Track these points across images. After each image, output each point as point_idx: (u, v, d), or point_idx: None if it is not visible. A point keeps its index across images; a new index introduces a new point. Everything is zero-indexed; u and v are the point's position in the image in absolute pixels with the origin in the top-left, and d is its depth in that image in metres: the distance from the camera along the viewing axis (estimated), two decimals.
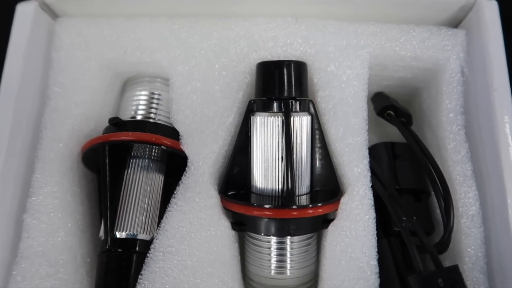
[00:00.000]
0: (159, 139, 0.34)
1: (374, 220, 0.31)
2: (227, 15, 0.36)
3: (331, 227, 0.32)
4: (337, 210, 0.33)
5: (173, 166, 0.36)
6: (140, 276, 0.30)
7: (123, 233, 0.32)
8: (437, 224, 0.35)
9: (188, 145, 0.34)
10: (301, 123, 0.33)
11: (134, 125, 0.35)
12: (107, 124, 0.35)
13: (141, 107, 0.37)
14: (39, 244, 0.31)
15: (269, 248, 0.33)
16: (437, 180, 0.32)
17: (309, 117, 0.34)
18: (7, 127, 0.32)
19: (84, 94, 0.36)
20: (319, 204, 0.31)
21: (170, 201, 0.33)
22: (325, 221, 0.33)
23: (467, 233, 0.31)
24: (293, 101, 0.33)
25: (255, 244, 0.33)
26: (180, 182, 0.33)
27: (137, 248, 0.32)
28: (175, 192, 0.33)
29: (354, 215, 0.31)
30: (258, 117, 0.33)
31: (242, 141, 0.35)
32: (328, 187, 0.35)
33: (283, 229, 0.32)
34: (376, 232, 0.31)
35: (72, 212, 0.34)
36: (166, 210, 0.32)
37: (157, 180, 0.35)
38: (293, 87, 0.33)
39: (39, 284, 0.30)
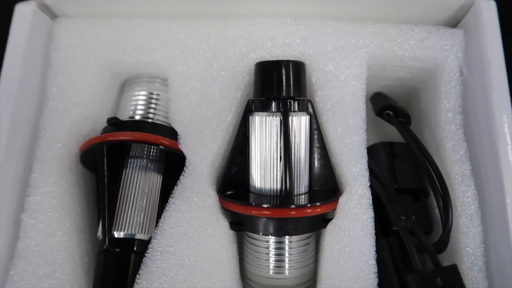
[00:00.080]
0: (157, 139, 0.34)
1: (373, 220, 0.31)
2: (226, 15, 0.36)
3: (330, 226, 0.32)
4: (335, 209, 0.32)
5: (172, 166, 0.36)
6: (138, 276, 0.30)
7: (121, 233, 0.32)
8: (436, 224, 0.34)
9: (186, 145, 0.34)
10: (300, 123, 0.33)
11: (132, 125, 0.35)
12: (105, 124, 0.35)
13: (139, 107, 0.37)
14: (36, 244, 0.31)
15: (268, 247, 0.33)
16: (436, 180, 0.32)
17: (307, 117, 0.34)
18: (6, 127, 0.32)
19: (83, 94, 0.36)
20: (318, 204, 0.31)
21: (168, 201, 0.32)
22: (324, 220, 0.33)
23: (466, 233, 0.31)
24: (292, 101, 0.33)
25: (253, 244, 0.33)
26: (178, 181, 0.33)
27: (135, 248, 0.32)
28: (173, 192, 0.33)
29: (353, 215, 0.31)
30: (256, 116, 0.33)
31: (240, 141, 0.35)
32: (326, 186, 0.35)
33: (282, 229, 0.32)
34: (374, 231, 0.31)
35: (70, 212, 0.34)
36: (164, 209, 0.32)
37: (156, 180, 0.35)
38: (292, 87, 0.33)
39: (36, 284, 0.30)
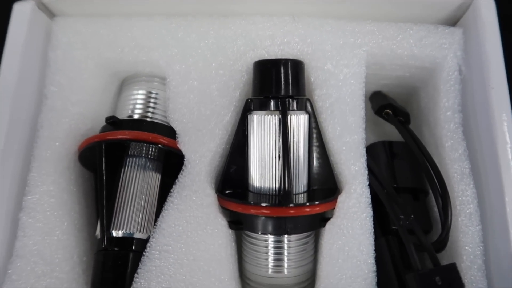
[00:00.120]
0: (155, 138, 0.33)
1: (371, 218, 0.31)
2: (224, 14, 0.36)
3: (328, 225, 0.32)
4: (334, 208, 0.32)
5: (170, 165, 0.36)
6: (136, 275, 0.30)
7: (120, 232, 0.32)
8: (435, 223, 0.34)
9: (185, 144, 0.34)
10: (298, 122, 0.33)
11: (131, 124, 0.35)
12: (104, 123, 0.35)
13: (138, 106, 0.37)
14: (35, 243, 0.31)
15: (266, 247, 0.32)
16: (435, 179, 0.32)
17: (306, 116, 0.34)
18: (4, 126, 0.32)
19: (81, 93, 0.36)
20: (316, 203, 0.31)
21: (167, 200, 0.32)
22: (323, 219, 0.33)
23: (465, 231, 0.31)
24: (290, 100, 0.33)
25: (252, 243, 0.33)
26: (176, 180, 0.33)
27: (133, 247, 0.32)
28: (172, 191, 0.33)
29: (351, 214, 0.31)
30: (255, 115, 0.33)
31: (239, 139, 0.35)
32: (325, 185, 0.35)
33: (280, 228, 0.31)
34: (373, 230, 0.31)
35: (69, 211, 0.34)
36: (163, 208, 0.32)
37: (154, 179, 0.35)
38: (290, 86, 0.33)
39: (34, 283, 0.30)
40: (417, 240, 0.30)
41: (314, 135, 0.35)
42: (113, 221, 0.32)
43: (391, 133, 0.40)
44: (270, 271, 0.32)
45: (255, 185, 0.33)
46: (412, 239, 0.30)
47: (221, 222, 0.32)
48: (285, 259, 0.32)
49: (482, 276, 0.30)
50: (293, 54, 0.35)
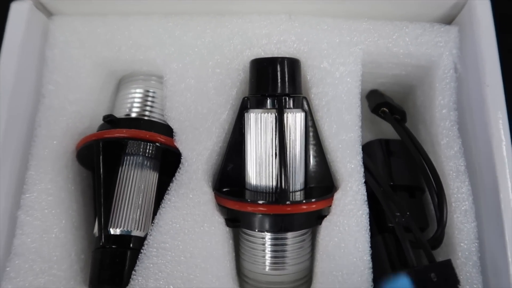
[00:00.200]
0: (153, 136, 0.34)
1: (367, 216, 0.31)
2: (221, 12, 0.36)
3: (325, 222, 0.32)
4: (331, 206, 0.33)
5: (168, 163, 0.36)
6: (133, 272, 0.31)
7: (117, 229, 0.32)
8: (431, 220, 0.35)
9: (182, 142, 0.34)
10: (295, 120, 0.33)
11: (128, 122, 0.35)
12: (101, 122, 0.35)
13: (135, 104, 0.37)
14: (32, 241, 0.31)
15: (264, 244, 0.33)
16: (431, 176, 0.32)
17: (302, 114, 0.34)
18: (2, 125, 0.32)
19: (79, 92, 0.36)
20: (313, 200, 0.32)
21: (164, 198, 0.33)
22: (319, 217, 0.33)
23: (460, 228, 0.31)
24: (287, 98, 0.33)
25: (249, 241, 0.33)
26: (173, 178, 0.33)
27: (131, 245, 0.32)
28: (169, 189, 0.33)
29: (347, 211, 0.31)
30: (251, 113, 0.33)
31: (236, 138, 0.35)
32: (322, 183, 0.35)
33: (277, 225, 0.32)
34: (369, 227, 0.31)
35: (66, 209, 0.34)
36: (160, 206, 0.32)
37: (152, 177, 0.35)
38: (287, 84, 0.33)
39: (32, 280, 0.30)
40: (413, 237, 0.31)
41: (311, 133, 0.35)
42: (110, 219, 0.33)
43: (388, 131, 0.40)
44: (267, 268, 0.33)
45: (252, 183, 0.33)
46: (408, 236, 0.30)
47: (218, 220, 0.32)
48: (282, 256, 0.33)
49: (477, 272, 0.30)
50: (290, 52, 0.36)
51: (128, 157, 0.35)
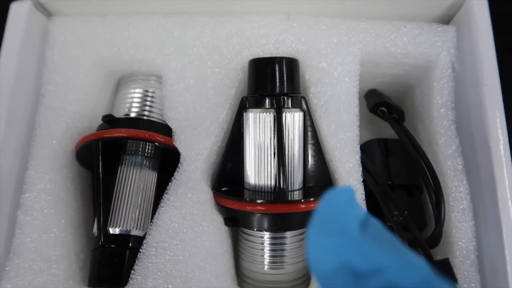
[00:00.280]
0: (152, 136, 0.34)
1: None
2: (220, 12, 0.36)
3: None
4: None
5: (167, 163, 0.36)
6: (132, 271, 0.31)
7: (117, 229, 0.32)
8: (429, 219, 0.35)
9: (181, 141, 0.34)
10: (293, 119, 0.33)
11: (127, 122, 0.36)
12: (101, 121, 0.36)
13: (135, 104, 0.37)
14: (32, 240, 0.31)
15: (262, 243, 0.33)
16: (429, 175, 0.33)
17: (301, 113, 0.34)
18: (2, 124, 0.32)
19: (78, 92, 0.36)
20: (311, 199, 0.32)
21: (163, 197, 0.33)
22: None
23: (458, 227, 0.31)
24: (285, 97, 0.33)
25: (248, 240, 0.33)
26: (172, 178, 0.33)
27: (130, 244, 0.32)
28: (168, 188, 0.33)
29: None
30: (250, 113, 0.33)
31: (234, 137, 0.35)
32: (321, 183, 0.35)
33: (276, 224, 0.32)
34: None
35: (66, 209, 0.34)
36: (159, 206, 0.32)
37: (151, 177, 0.35)
38: (285, 84, 0.33)
39: (32, 280, 0.30)
40: (411, 236, 0.31)
41: (309, 133, 0.35)
42: (110, 219, 0.33)
43: (386, 131, 0.40)
44: (266, 267, 0.33)
45: (250, 182, 0.33)
46: (406, 235, 0.30)
47: (217, 219, 0.33)
48: (281, 255, 0.33)
49: (475, 271, 0.30)
50: (288, 52, 0.36)
51: (127, 156, 0.35)
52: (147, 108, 0.37)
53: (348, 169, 0.33)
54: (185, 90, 0.35)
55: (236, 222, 0.33)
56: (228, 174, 0.35)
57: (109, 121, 0.35)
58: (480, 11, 0.34)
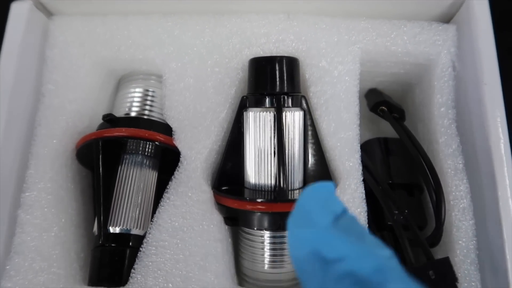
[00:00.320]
0: (152, 135, 0.34)
1: (366, 214, 0.31)
2: (220, 12, 0.36)
3: None
4: None
5: (167, 162, 0.36)
6: (133, 270, 0.31)
7: (117, 228, 0.32)
8: (430, 218, 0.35)
9: (181, 141, 0.34)
10: (293, 118, 0.33)
11: (128, 121, 0.36)
12: (101, 121, 0.36)
13: (135, 104, 0.37)
14: (32, 239, 0.31)
15: (263, 242, 0.33)
16: (429, 174, 0.33)
17: (301, 113, 0.34)
18: (2, 124, 0.32)
19: (78, 91, 0.36)
20: None
21: (163, 196, 0.33)
22: None
23: (459, 226, 0.31)
24: (285, 97, 0.33)
25: (248, 239, 0.33)
26: (172, 177, 0.33)
27: (130, 243, 0.32)
28: (168, 187, 0.33)
29: None
30: (250, 112, 0.33)
31: (235, 136, 0.35)
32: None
33: (276, 223, 0.32)
34: (368, 226, 0.31)
35: (66, 208, 0.34)
36: (159, 204, 0.32)
37: (151, 176, 0.35)
38: (285, 83, 0.33)
39: (32, 278, 0.30)
40: (412, 235, 0.31)
41: (310, 132, 0.35)
42: (110, 218, 0.33)
43: (387, 130, 0.40)
44: (266, 266, 0.33)
45: (251, 181, 0.33)
46: (407, 235, 0.30)
47: (217, 218, 0.33)
48: (281, 254, 0.33)
49: (475, 270, 0.30)
50: (288, 51, 0.36)
51: (128, 156, 0.35)
52: (147, 107, 0.37)
53: (348, 168, 0.33)
54: (185, 89, 0.35)
55: (236, 221, 0.33)
56: (228, 173, 0.35)
57: (110, 120, 0.35)
58: (480, 10, 0.34)
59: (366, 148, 0.38)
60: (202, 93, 0.35)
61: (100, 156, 0.34)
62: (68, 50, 0.36)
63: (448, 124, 0.34)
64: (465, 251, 0.31)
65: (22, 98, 0.34)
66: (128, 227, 0.33)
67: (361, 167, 0.33)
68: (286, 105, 0.33)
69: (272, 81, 0.33)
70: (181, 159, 0.34)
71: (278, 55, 0.35)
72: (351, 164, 0.33)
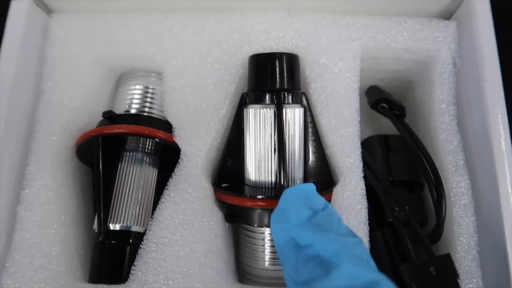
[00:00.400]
0: (152, 132, 0.34)
1: (366, 210, 0.31)
2: (220, 9, 0.36)
3: None
4: (330, 201, 0.33)
5: (167, 159, 0.36)
6: (133, 267, 0.31)
7: (117, 225, 0.32)
8: (431, 216, 0.35)
9: (181, 137, 0.34)
10: (294, 115, 0.33)
11: (128, 118, 0.36)
12: (101, 118, 0.36)
13: (135, 101, 0.37)
14: (32, 236, 0.31)
15: (263, 239, 0.33)
16: (430, 171, 0.32)
17: (301, 109, 0.34)
18: (2, 121, 0.32)
19: (78, 89, 0.36)
20: None
21: (163, 193, 0.33)
22: None
23: (460, 222, 0.31)
24: (286, 93, 0.33)
25: (249, 236, 0.33)
26: (173, 174, 0.33)
27: (130, 240, 0.32)
28: (168, 184, 0.33)
29: (346, 205, 0.31)
30: (250, 109, 0.33)
31: (235, 133, 0.35)
32: (321, 179, 0.35)
33: None
34: (368, 222, 0.31)
35: (66, 205, 0.34)
36: (159, 201, 0.32)
37: (151, 173, 0.35)
38: (285, 79, 0.33)
39: (32, 275, 0.30)
40: (412, 232, 0.30)
41: (310, 129, 0.35)
42: (110, 215, 0.33)
43: (387, 128, 0.40)
44: (267, 263, 0.32)
45: (251, 178, 0.33)
46: (407, 231, 0.30)
47: (217, 215, 0.32)
48: None
49: (476, 266, 0.30)
50: (288, 48, 0.36)
51: (128, 153, 0.35)
52: (147, 104, 0.37)
53: (349, 164, 0.32)
54: (185, 86, 0.35)
55: (236, 218, 0.33)
56: (228, 170, 0.35)
57: (109, 117, 0.35)
58: (481, 6, 0.34)
59: (366, 145, 0.38)
60: (202, 90, 0.35)
61: (100, 153, 0.34)
62: (68, 47, 0.36)
63: (449, 121, 0.34)
64: (466, 247, 0.30)
65: (22, 95, 0.34)
66: (128, 224, 0.33)
67: (361, 164, 0.33)
68: (286, 101, 0.33)
69: (272, 77, 0.33)
70: (181, 155, 0.33)
71: (278, 51, 0.35)
72: (351, 160, 0.33)
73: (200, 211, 0.32)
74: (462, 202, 0.32)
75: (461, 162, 0.33)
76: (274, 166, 0.32)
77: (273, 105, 0.33)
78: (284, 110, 0.32)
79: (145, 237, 0.31)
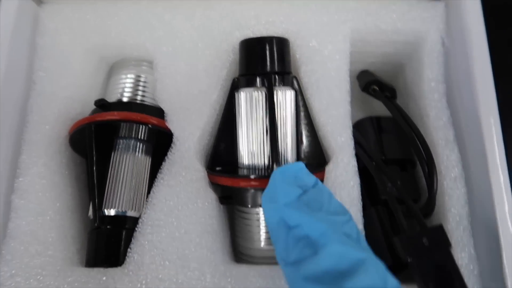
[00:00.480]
0: (145, 118, 0.34)
1: (359, 187, 0.32)
2: None
3: None
4: (323, 180, 0.33)
5: (160, 147, 0.36)
6: (129, 250, 0.31)
7: (112, 210, 0.33)
8: (423, 193, 0.35)
9: (173, 122, 0.34)
10: (285, 97, 0.33)
11: (120, 106, 0.36)
12: (94, 107, 0.36)
13: (127, 89, 0.37)
14: (27, 223, 0.31)
15: (258, 220, 0.33)
16: (421, 147, 0.33)
17: (292, 92, 0.34)
18: None
19: (70, 78, 0.36)
20: None
21: (157, 177, 0.33)
22: None
23: (450, 194, 0.31)
24: (276, 76, 0.33)
25: (243, 218, 0.33)
26: (166, 158, 0.33)
27: (126, 225, 0.32)
28: (161, 168, 0.33)
29: (339, 183, 0.31)
30: (241, 92, 0.33)
31: (227, 117, 0.35)
32: (315, 161, 0.35)
33: None
34: (361, 199, 0.32)
35: (61, 193, 0.34)
36: (153, 185, 0.33)
37: (144, 160, 0.35)
38: (276, 63, 0.33)
39: (28, 262, 0.30)
40: (406, 207, 0.31)
41: (302, 113, 0.35)
42: (104, 201, 0.33)
43: (379, 111, 0.40)
44: (262, 243, 0.33)
45: (244, 161, 0.33)
46: (401, 207, 0.31)
47: (211, 196, 0.33)
48: None
49: (468, 235, 0.30)
50: (278, 33, 0.36)
51: (121, 140, 0.35)
52: (139, 93, 0.37)
53: (340, 143, 0.33)
54: (176, 73, 0.35)
55: (230, 200, 0.33)
56: (221, 154, 0.35)
57: (102, 105, 0.35)
58: None
59: (359, 127, 0.38)
60: (193, 76, 0.35)
61: (93, 140, 0.34)
62: (59, 37, 0.36)
63: (439, 98, 0.35)
64: (457, 218, 0.31)
65: (14, 85, 0.34)
66: (123, 209, 0.33)
67: (353, 142, 0.33)
68: (277, 84, 0.33)
69: (263, 61, 0.33)
70: (174, 140, 0.34)
71: (268, 36, 0.36)
72: (343, 139, 0.33)
73: (194, 193, 0.32)
74: (452, 175, 0.32)
75: (451, 137, 0.33)
76: (267, 148, 0.33)
77: (264, 88, 0.33)
78: (275, 92, 0.33)
79: (140, 220, 0.32)
